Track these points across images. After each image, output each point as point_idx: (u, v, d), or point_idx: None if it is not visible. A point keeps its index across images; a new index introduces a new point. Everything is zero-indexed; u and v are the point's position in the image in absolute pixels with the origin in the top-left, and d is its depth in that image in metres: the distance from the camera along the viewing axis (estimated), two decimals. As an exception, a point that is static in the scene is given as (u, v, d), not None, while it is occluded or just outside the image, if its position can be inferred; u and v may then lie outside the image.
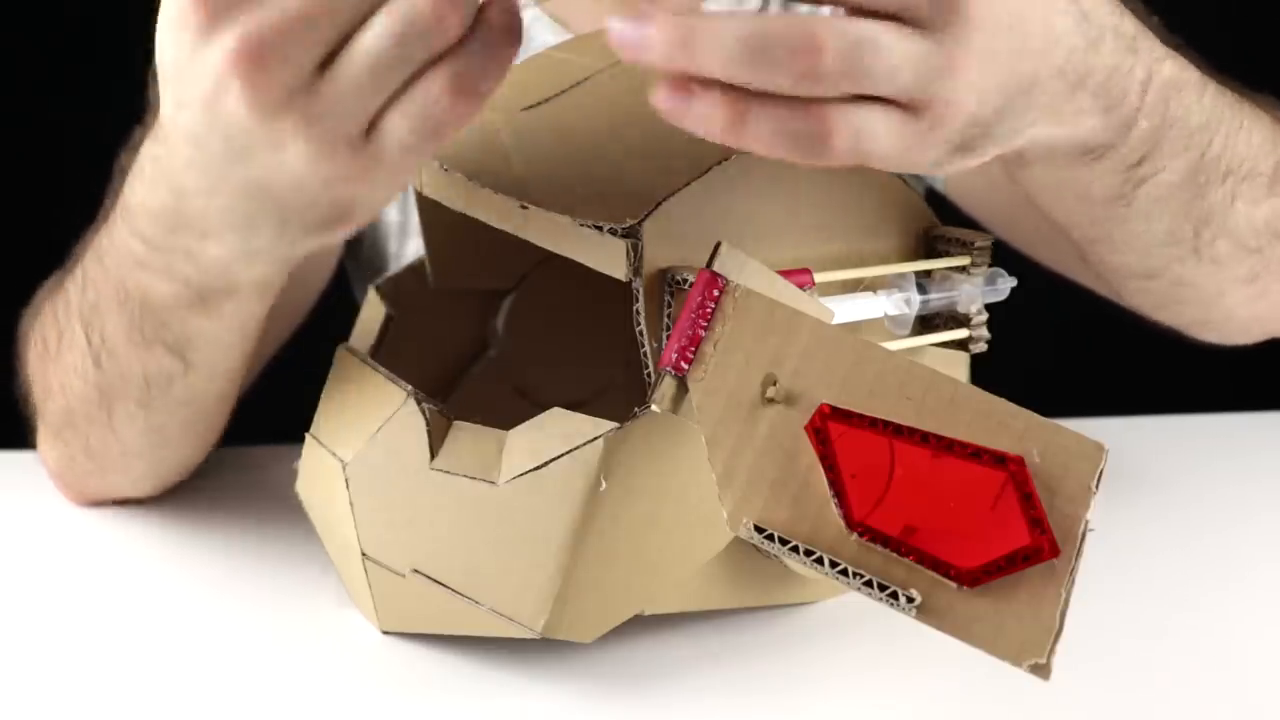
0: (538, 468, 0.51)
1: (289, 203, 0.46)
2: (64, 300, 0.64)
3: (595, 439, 0.50)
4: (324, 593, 0.61)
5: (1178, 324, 0.71)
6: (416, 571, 0.53)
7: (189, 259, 0.53)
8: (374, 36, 0.42)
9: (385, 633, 0.58)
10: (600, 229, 0.50)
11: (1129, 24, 0.53)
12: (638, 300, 0.50)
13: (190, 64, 0.43)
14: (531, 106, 0.54)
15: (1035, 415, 0.44)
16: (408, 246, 0.91)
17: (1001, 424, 0.44)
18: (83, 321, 0.61)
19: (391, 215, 0.91)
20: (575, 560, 0.51)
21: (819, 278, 0.51)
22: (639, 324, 0.51)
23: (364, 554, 0.55)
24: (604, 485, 0.50)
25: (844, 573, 0.44)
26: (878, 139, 0.43)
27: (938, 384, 0.44)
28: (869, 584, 0.44)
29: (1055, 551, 0.42)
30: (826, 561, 0.44)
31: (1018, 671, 0.42)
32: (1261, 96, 0.64)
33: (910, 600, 0.43)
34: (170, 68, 0.45)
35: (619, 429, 0.51)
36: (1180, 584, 0.65)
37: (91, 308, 0.60)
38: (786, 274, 0.49)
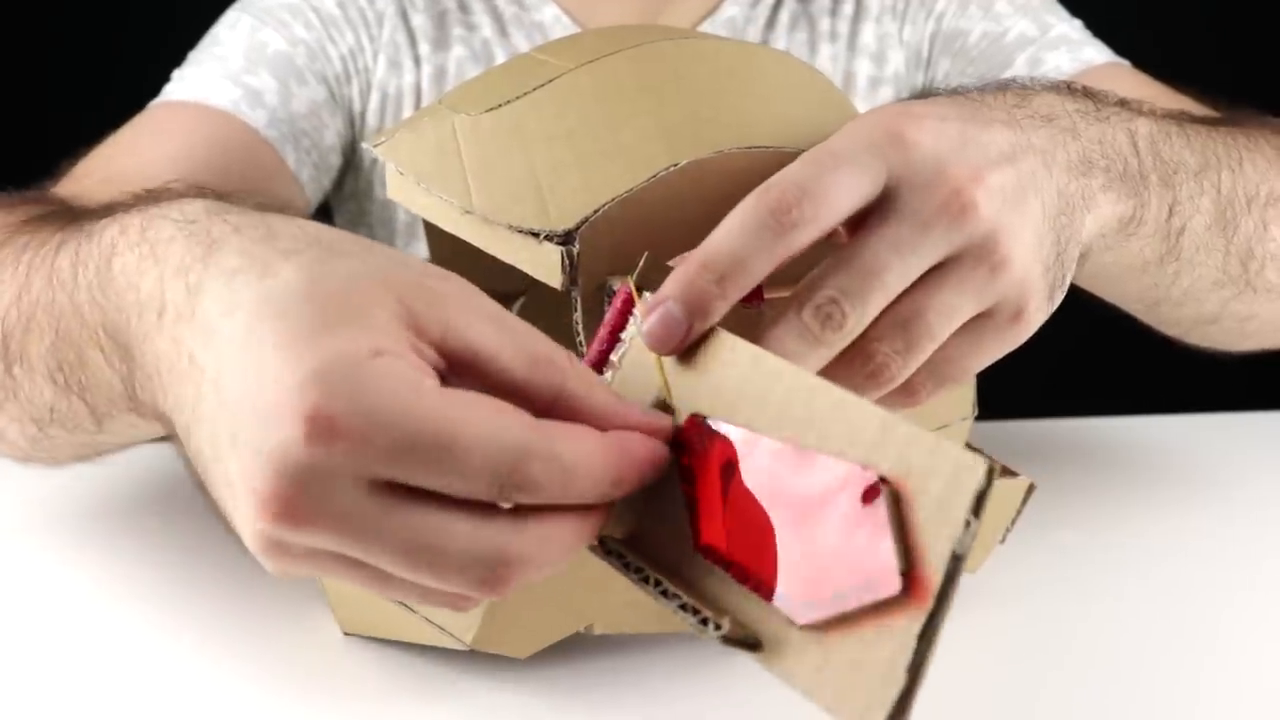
0: None
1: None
2: None
3: None
4: (296, 587, 0.61)
5: (1261, 349, 0.72)
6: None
7: (141, 385, 0.44)
8: (466, 536, 0.36)
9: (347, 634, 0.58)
10: (537, 235, 0.48)
11: (1080, 104, 0.54)
12: (576, 310, 0.49)
13: (270, 392, 0.36)
14: (494, 108, 0.53)
15: (919, 430, 0.37)
16: (414, 248, 0.90)
17: (878, 438, 0.38)
18: (3, 325, 0.53)
19: (400, 215, 0.91)
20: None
21: (772, 293, 0.49)
22: (578, 334, 0.49)
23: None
24: None
25: (664, 593, 0.40)
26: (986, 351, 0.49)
27: (821, 393, 0.39)
28: (684, 608, 0.40)
29: (918, 591, 0.36)
30: (651, 579, 0.41)
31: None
32: (1242, 113, 0.65)
33: (718, 628, 0.38)
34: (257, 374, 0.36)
35: None
36: (1182, 584, 0.64)
37: (23, 321, 0.52)
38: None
